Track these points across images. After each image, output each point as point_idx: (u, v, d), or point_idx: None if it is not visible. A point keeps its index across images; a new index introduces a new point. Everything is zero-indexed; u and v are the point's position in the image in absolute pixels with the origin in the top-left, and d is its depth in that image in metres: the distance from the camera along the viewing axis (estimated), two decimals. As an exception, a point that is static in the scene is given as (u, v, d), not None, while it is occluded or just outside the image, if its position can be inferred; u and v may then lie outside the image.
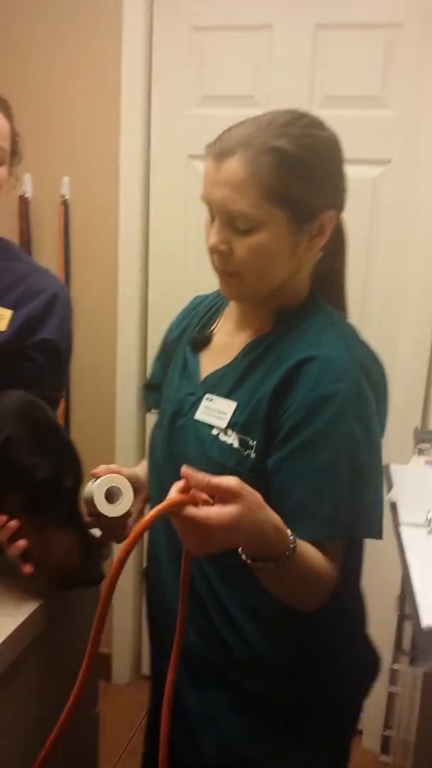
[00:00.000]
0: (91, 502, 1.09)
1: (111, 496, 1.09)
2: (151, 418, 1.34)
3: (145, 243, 2.33)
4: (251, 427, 1.02)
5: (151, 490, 1.21)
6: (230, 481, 0.82)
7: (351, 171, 1.94)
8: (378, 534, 1.01)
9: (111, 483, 1.10)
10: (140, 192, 2.28)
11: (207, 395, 1.09)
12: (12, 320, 1.33)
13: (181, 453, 1.10)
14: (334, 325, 1.06)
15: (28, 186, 2.32)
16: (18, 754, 1.07)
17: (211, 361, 1.14)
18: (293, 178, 0.96)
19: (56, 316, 1.35)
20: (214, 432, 1.05)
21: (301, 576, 0.93)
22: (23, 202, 2.33)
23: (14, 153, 1.33)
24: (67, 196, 2.34)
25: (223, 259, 1.03)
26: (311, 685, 1.08)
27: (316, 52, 2.07)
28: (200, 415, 1.08)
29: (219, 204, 0.98)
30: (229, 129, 1.00)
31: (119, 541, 1.12)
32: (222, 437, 1.04)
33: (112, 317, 2.36)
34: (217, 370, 1.11)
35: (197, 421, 1.08)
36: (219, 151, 0.97)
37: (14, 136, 1.32)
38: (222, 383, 1.09)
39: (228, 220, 0.98)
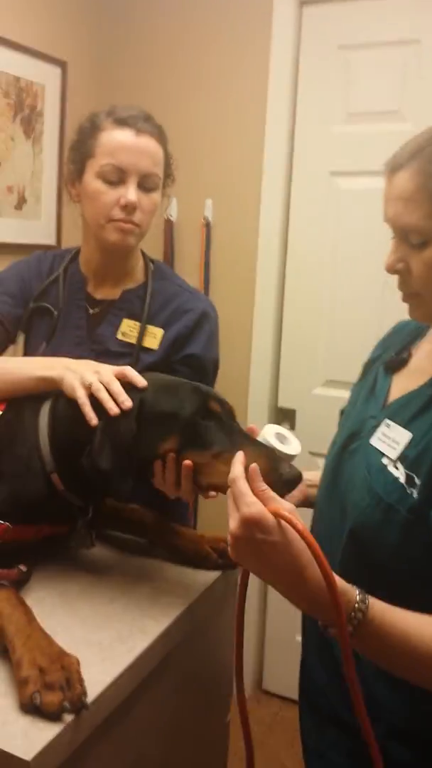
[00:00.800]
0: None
1: (281, 438, 1.06)
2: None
3: (283, 263, 2.32)
4: (420, 464, 0.91)
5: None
6: (257, 508, 0.79)
7: None
8: None
9: (277, 429, 1.06)
10: (281, 211, 2.28)
11: (386, 420, 0.99)
12: (163, 339, 1.36)
13: (348, 479, 1.02)
14: None
15: (173, 208, 2.38)
16: (155, 755, 1.08)
17: (402, 385, 1.03)
18: None
19: (204, 333, 1.36)
20: (384, 461, 0.95)
21: (402, 652, 0.79)
22: (168, 224, 2.39)
23: (167, 176, 1.37)
24: (210, 218, 2.37)
25: (402, 280, 0.96)
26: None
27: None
28: (375, 440, 0.99)
29: (392, 220, 0.93)
30: (404, 144, 0.93)
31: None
32: (390, 468, 0.94)
33: (247, 336, 2.37)
34: (404, 395, 1.01)
35: (371, 446, 0.99)
36: (391, 167, 0.91)
37: (168, 160, 1.36)
38: (405, 410, 0.98)
39: (402, 237, 0.92)
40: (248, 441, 1.03)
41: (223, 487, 0.98)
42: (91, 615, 1.06)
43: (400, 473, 0.93)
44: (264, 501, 0.82)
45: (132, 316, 1.35)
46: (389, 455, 0.95)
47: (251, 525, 0.79)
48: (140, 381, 1.07)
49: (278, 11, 2.16)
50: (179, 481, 1.04)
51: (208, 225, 2.37)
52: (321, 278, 2.24)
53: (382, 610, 0.81)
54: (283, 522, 0.79)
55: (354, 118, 2.15)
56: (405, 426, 0.95)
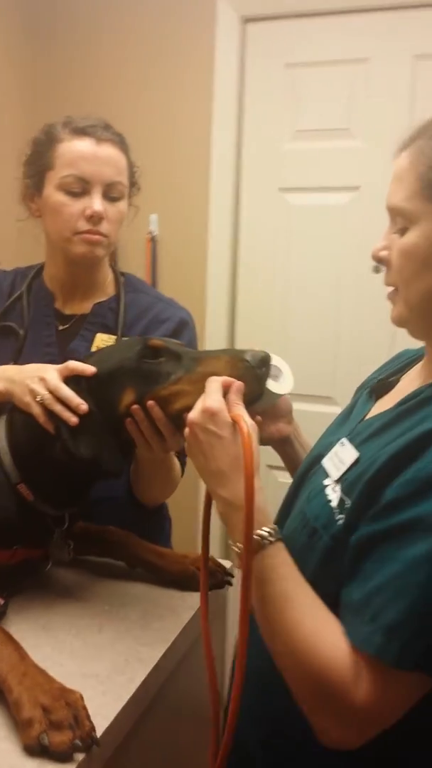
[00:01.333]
0: None
1: (275, 371, 1.02)
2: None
3: (234, 278, 2.32)
4: (353, 487, 0.82)
5: None
6: (219, 404, 0.84)
7: None
8: None
9: (273, 361, 1.01)
10: (230, 226, 2.28)
11: (342, 439, 0.91)
12: None
13: (298, 503, 0.96)
14: None
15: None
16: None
17: (379, 408, 0.95)
18: None
19: (184, 341, 1.33)
20: (326, 482, 0.88)
21: (273, 605, 0.77)
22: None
23: (132, 184, 1.33)
24: (155, 233, 2.34)
25: (386, 272, 0.88)
26: None
27: (414, 82, 2.04)
28: (326, 460, 0.92)
29: (386, 202, 0.86)
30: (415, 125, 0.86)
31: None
32: (327, 491, 0.87)
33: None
34: (371, 417, 0.93)
35: (322, 467, 0.92)
36: (398, 148, 0.85)
37: (131, 168, 1.32)
38: (365, 430, 0.89)
39: (392, 221, 0.85)
40: (204, 355, 1.02)
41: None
42: (82, 647, 1.01)
43: (334, 496, 0.85)
44: (229, 405, 0.86)
45: (106, 330, 1.31)
46: (332, 475, 0.88)
47: (208, 415, 0.84)
48: (88, 369, 1.03)
49: (221, 28, 2.17)
50: (158, 431, 1.01)
51: (153, 239, 2.35)
52: (273, 294, 2.25)
53: (285, 558, 0.80)
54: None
55: (303, 135, 2.17)
56: (357, 446, 0.87)
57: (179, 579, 1.18)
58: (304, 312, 2.23)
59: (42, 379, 1.04)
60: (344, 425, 0.99)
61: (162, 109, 2.28)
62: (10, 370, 1.11)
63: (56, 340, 1.33)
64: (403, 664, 0.69)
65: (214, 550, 1.12)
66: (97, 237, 1.25)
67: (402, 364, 1.03)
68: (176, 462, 1.25)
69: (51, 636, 1.03)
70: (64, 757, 0.78)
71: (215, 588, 1.18)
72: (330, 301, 2.20)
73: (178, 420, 1.00)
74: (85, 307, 1.35)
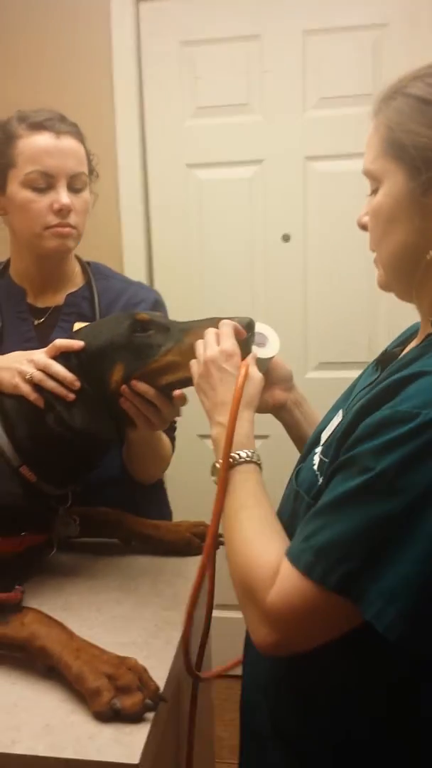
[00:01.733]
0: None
1: (260, 338, 1.09)
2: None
3: (149, 253, 2.35)
4: (330, 445, 0.85)
5: None
6: (235, 348, 0.95)
7: (348, 166, 2.11)
8: (387, 630, 0.68)
9: (257, 328, 1.07)
10: (141, 205, 2.30)
11: (340, 411, 0.94)
12: None
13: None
14: None
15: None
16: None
17: None
18: (414, 125, 0.78)
19: None
20: (316, 450, 0.91)
21: (234, 517, 0.86)
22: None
23: (91, 172, 1.34)
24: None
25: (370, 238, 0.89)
26: None
27: (306, 57, 2.15)
28: (324, 432, 0.94)
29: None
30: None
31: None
32: (314, 457, 0.90)
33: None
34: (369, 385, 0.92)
35: (320, 438, 0.94)
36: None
37: (89, 157, 1.33)
38: (356, 398, 0.89)
39: (371, 187, 0.87)
40: (191, 325, 1.06)
41: (188, 379, 1.01)
42: (108, 620, 1.06)
43: (317, 459, 0.89)
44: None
45: (83, 318, 1.32)
46: (323, 441, 0.91)
47: (225, 356, 0.95)
48: (76, 344, 1.08)
49: (116, 8, 2.17)
50: (152, 404, 1.06)
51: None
52: (188, 269, 2.31)
53: (256, 478, 0.88)
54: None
55: (204, 112, 2.23)
56: (345, 412, 0.89)
57: (177, 546, 1.25)
58: (221, 284, 2.30)
59: (30, 360, 1.07)
60: (342, 398, 1.03)
61: (63, 91, 2.24)
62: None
63: (35, 334, 1.33)
64: (325, 581, 0.71)
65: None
66: (67, 230, 1.27)
67: (409, 333, 1.03)
68: (166, 439, 1.30)
69: (74, 614, 1.07)
70: (137, 717, 0.84)
71: None
72: (244, 271, 2.29)
73: (170, 390, 1.06)
74: (57, 299, 1.36)
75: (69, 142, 1.27)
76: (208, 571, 0.94)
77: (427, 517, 0.67)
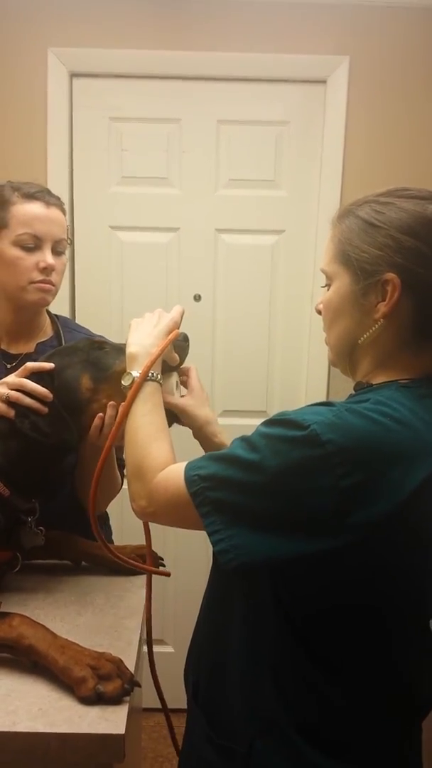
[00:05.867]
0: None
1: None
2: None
3: (73, 306, 2.53)
4: None
5: None
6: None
7: (252, 240, 2.42)
8: (223, 562, 0.91)
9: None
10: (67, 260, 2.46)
11: None
12: None
13: None
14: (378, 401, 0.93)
15: None
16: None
17: None
18: (358, 242, 0.97)
19: None
20: None
21: (135, 427, 1.09)
22: None
23: (68, 239, 1.53)
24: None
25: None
26: None
27: (218, 142, 2.46)
28: None
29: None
30: (342, 206, 1.07)
31: None
32: None
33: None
34: None
35: None
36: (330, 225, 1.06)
37: (67, 227, 1.53)
38: None
39: (326, 282, 1.06)
40: None
41: None
42: (73, 629, 1.22)
43: None
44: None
45: None
46: None
47: (163, 313, 1.20)
48: (47, 365, 1.26)
49: (52, 82, 2.37)
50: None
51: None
52: (109, 322, 2.48)
53: (160, 396, 1.14)
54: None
55: (127, 181, 2.46)
56: None
57: (122, 566, 1.42)
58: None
59: (3, 383, 1.24)
60: None
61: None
62: None
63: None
64: (193, 493, 0.94)
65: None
66: (48, 285, 1.46)
67: None
68: (117, 473, 1.48)
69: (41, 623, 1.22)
70: (118, 700, 1.02)
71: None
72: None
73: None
74: (29, 346, 1.53)
75: (56, 213, 1.47)
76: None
77: (259, 472, 0.89)
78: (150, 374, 1.13)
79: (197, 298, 2.52)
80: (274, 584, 0.97)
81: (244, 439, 0.94)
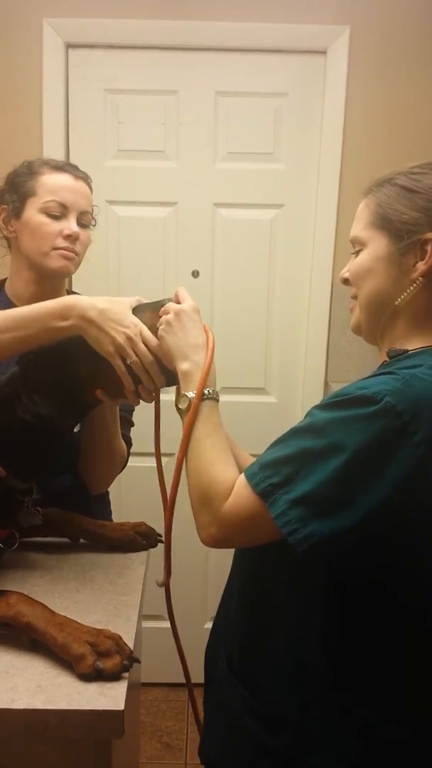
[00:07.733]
0: None
1: None
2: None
3: (69, 281, 2.49)
4: None
5: None
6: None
7: (251, 214, 2.39)
8: (294, 542, 0.90)
9: None
10: (61, 235, 2.44)
11: None
12: None
13: None
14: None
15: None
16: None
17: None
18: (399, 206, 1.00)
19: None
20: None
21: (197, 440, 1.04)
22: None
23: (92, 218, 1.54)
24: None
25: (351, 289, 1.09)
26: None
27: (217, 115, 2.41)
28: None
29: (350, 235, 1.09)
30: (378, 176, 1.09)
31: None
32: None
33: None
34: None
35: None
36: (363, 193, 1.08)
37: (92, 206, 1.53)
38: None
39: (353, 249, 1.08)
40: (139, 308, 1.25)
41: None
42: (72, 605, 1.22)
43: None
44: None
45: None
46: None
47: (194, 310, 1.14)
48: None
49: (47, 52, 2.33)
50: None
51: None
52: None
53: (218, 413, 1.08)
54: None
55: (124, 154, 2.43)
56: None
57: (121, 543, 1.42)
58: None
59: (131, 339, 1.17)
60: None
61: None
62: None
63: None
64: (256, 486, 0.93)
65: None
66: (71, 254, 1.46)
67: None
68: (122, 444, 1.47)
69: (41, 601, 1.21)
70: (117, 676, 1.02)
71: (149, 547, 1.45)
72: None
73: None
74: None
75: (83, 186, 1.50)
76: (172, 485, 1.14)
77: (337, 456, 0.88)
78: (206, 392, 1.07)
79: (195, 274, 2.49)
80: (329, 557, 0.96)
81: (299, 431, 0.94)
